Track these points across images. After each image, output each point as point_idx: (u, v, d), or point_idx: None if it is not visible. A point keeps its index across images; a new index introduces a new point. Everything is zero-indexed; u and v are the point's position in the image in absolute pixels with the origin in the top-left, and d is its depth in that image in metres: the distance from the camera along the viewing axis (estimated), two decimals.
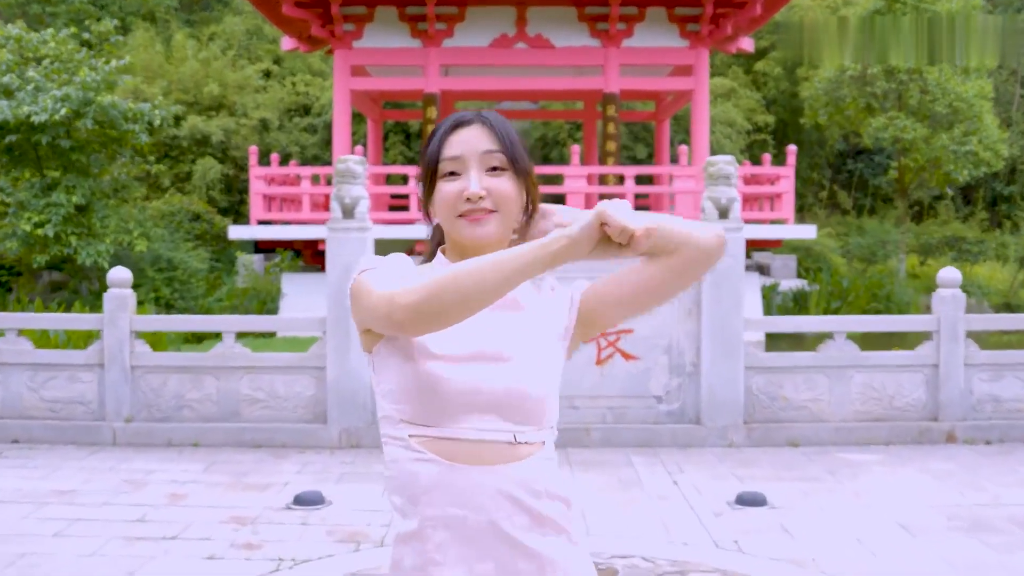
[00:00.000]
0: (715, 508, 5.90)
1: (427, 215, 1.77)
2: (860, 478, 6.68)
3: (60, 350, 8.42)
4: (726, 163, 7.68)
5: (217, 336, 7.94)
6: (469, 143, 1.68)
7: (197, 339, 14.24)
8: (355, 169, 7.67)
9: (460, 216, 1.67)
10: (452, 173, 1.68)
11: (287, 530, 5.39)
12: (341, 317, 7.55)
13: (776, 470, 6.91)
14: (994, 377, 7.94)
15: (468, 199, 1.66)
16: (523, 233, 1.74)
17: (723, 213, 7.62)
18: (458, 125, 1.70)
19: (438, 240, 1.81)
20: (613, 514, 5.77)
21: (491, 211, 1.67)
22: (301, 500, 5.87)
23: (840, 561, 4.91)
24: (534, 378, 1.67)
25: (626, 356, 7.76)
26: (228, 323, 8.03)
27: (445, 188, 1.68)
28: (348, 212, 7.67)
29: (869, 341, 9.09)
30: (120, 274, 7.78)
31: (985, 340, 9.02)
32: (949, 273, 8.00)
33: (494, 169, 1.68)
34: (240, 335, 7.98)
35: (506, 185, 1.67)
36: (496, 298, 1.50)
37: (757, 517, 5.72)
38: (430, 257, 1.80)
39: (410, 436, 1.64)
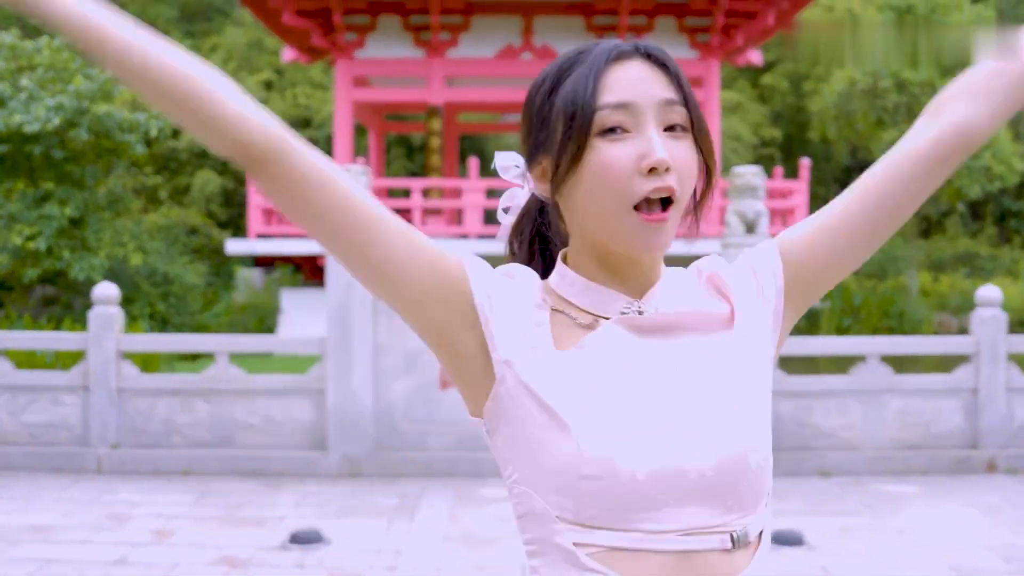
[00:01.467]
0: None
1: (515, 234, 1.22)
2: (901, 513, 6.19)
3: (41, 371, 7.92)
4: (752, 174, 7.22)
5: (212, 355, 7.50)
6: (641, 86, 1.04)
7: (192, 356, 13.76)
8: (355, 180, 7.21)
9: (637, 208, 1.04)
10: (615, 129, 1.03)
11: (282, 574, 4.90)
12: (342, 336, 7.07)
13: (809, 503, 6.42)
14: None
15: (653, 169, 1.01)
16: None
17: (750, 228, 7.16)
18: (617, 57, 1.05)
19: (536, 245, 1.21)
20: None
21: (671, 201, 1.05)
22: (298, 539, 5.38)
23: None
24: (753, 438, 1.08)
25: None
26: (221, 343, 7.55)
27: (610, 153, 1.03)
28: None
29: (888, 363, 8.59)
30: (106, 291, 7.30)
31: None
32: (989, 291, 7.52)
33: (671, 129, 1.05)
34: (236, 353, 7.51)
35: (691, 157, 1.06)
36: None
37: (796, 559, 5.24)
38: (529, 261, 1.20)
39: (575, 545, 1.03)
